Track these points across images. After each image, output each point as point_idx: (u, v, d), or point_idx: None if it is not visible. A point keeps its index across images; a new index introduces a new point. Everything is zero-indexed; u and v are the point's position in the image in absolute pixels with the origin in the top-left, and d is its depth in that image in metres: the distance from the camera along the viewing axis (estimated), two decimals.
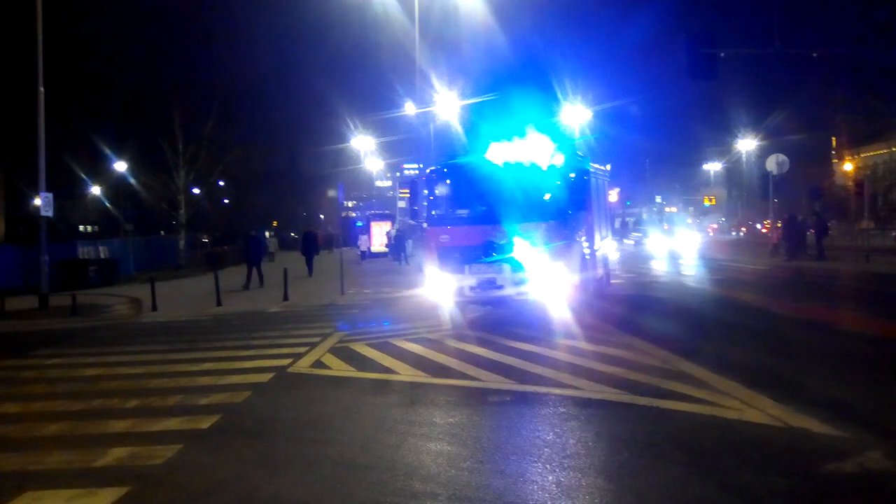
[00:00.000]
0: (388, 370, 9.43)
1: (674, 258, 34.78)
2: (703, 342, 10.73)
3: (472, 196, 13.06)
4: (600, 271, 15.58)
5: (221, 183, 53.25)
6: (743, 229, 68.75)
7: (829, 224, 33.75)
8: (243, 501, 5.17)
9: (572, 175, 12.92)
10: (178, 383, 9.13)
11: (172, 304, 19.14)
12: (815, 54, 28.96)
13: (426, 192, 13.65)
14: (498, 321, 13.06)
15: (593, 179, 15.19)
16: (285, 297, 18.97)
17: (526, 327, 12.16)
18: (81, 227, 56.41)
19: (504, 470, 5.57)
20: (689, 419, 6.60)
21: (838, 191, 46.69)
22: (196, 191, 44.81)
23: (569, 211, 12.65)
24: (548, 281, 12.11)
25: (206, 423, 7.14)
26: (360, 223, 45.97)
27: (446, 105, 32.14)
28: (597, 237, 14.98)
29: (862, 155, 52.23)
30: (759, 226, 58.44)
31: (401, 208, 71.28)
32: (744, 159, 58.88)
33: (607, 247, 16.75)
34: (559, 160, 12.62)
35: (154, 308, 18.04)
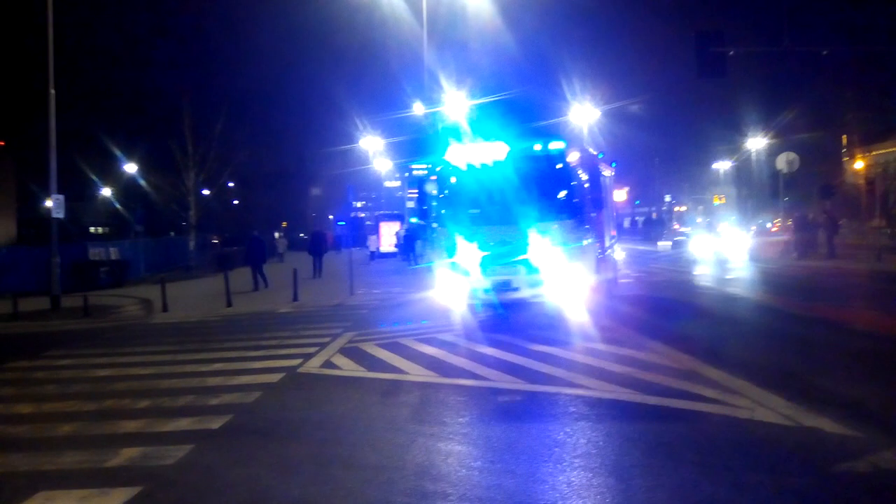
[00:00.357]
0: (398, 370, 9.44)
1: (723, 263, 28.56)
2: (715, 341, 10.65)
3: (484, 195, 12.65)
4: (611, 273, 15.50)
5: (231, 184, 53.48)
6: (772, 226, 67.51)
7: (840, 222, 33.52)
8: (254, 501, 5.18)
9: (586, 174, 12.71)
10: (189, 384, 9.16)
11: (183, 304, 19.21)
12: (824, 52, 28.81)
13: (435, 191, 13.32)
14: (509, 322, 12.79)
15: (604, 178, 15.09)
16: (295, 298, 19.01)
17: (537, 328, 11.97)
18: (92, 229, 56.72)
19: (514, 470, 5.56)
20: (701, 419, 6.58)
21: (849, 189, 46.39)
22: (206, 192, 44.98)
23: (584, 210, 12.41)
24: (564, 283, 11.84)
25: (217, 423, 7.17)
26: (369, 222, 46.04)
27: (455, 104, 32.14)
28: (606, 237, 14.91)
29: (873, 153, 51.86)
30: (768, 225, 58.10)
31: (409, 208, 71.30)
32: (753, 158, 58.60)
33: (616, 247, 16.70)
34: (574, 157, 12.39)
35: (165, 309, 18.11)
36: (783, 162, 30.60)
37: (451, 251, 12.49)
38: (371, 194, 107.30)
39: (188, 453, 6.21)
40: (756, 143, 56.51)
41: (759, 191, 59.52)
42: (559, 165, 12.38)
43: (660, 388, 7.68)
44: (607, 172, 16.58)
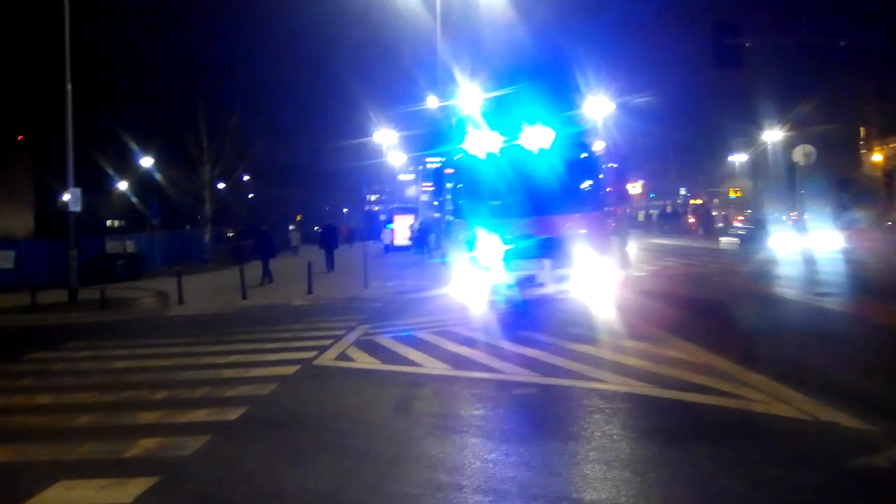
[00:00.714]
0: (412, 363, 9.46)
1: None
2: (732, 335, 10.57)
3: (506, 186, 12.05)
4: (629, 266, 15.27)
5: (246, 177, 53.68)
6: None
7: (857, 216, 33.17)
8: (270, 492, 5.22)
9: (611, 164, 12.34)
10: (206, 375, 9.23)
11: (199, 297, 19.33)
12: (842, 42, 28.48)
13: (451, 184, 12.83)
14: (528, 317, 12.21)
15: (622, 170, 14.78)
16: (309, 291, 19.08)
17: (558, 324, 11.54)
18: (109, 222, 57.11)
19: (529, 462, 5.58)
20: (717, 412, 6.56)
21: (867, 181, 45.93)
22: (221, 185, 45.21)
23: (610, 202, 12.06)
24: (591, 278, 11.39)
25: (233, 414, 7.22)
26: (383, 216, 46.09)
27: (470, 96, 32.04)
28: (625, 230, 14.75)
29: (891, 145, 51.28)
30: (784, 218, 57.63)
31: (423, 202, 71.26)
32: (769, 150, 58.11)
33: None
34: (600, 147, 12.03)
35: (181, 301, 18.24)
36: (800, 154, 30.30)
37: (470, 245, 11.99)
38: (385, 188, 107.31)
39: (205, 444, 6.27)
40: (772, 135, 56.00)
41: (775, 183, 59.05)
42: (584, 155, 11.96)
43: (675, 381, 7.65)
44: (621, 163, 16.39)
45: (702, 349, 9.22)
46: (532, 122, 11.95)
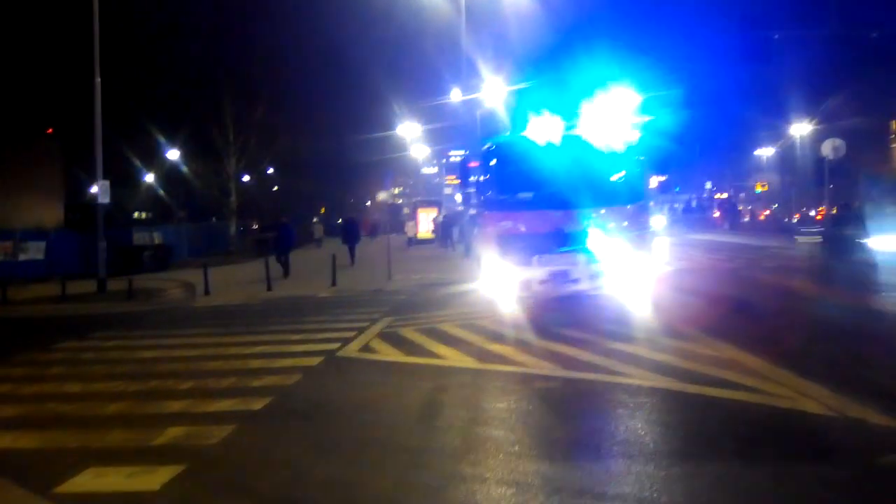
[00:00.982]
0: (436, 355, 9.47)
1: None
2: (757, 330, 10.42)
3: (539, 176, 11.37)
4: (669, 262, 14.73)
5: (271, 170, 54.01)
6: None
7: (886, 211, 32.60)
8: (295, 481, 5.28)
9: (646, 155, 11.80)
10: (232, 366, 9.32)
11: (224, 288, 19.53)
12: (874, 35, 28.03)
13: (480, 176, 12.16)
14: (553, 312, 11.68)
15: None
16: (333, 283, 19.19)
17: (581, 317, 11.25)
18: (136, 214, 57.80)
19: (552, 455, 5.58)
20: (742, 408, 6.50)
21: None
22: (246, 178, 45.53)
23: (647, 194, 11.58)
24: (627, 273, 10.81)
25: (258, 404, 7.29)
26: (406, 209, 46.15)
27: (493, 89, 31.94)
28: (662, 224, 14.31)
29: None
30: (812, 213, 56.83)
31: (447, 195, 71.19)
32: (797, 144, 57.35)
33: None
34: (635, 136, 11.51)
35: (207, 292, 18.44)
36: (829, 148, 29.85)
37: (501, 239, 11.38)
38: (409, 181, 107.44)
39: (231, 433, 6.34)
40: (800, 128, 55.22)
41: (802, 178, 58.31)
42: (620, 144, 11.41)
43: (700, 376, 7.58)
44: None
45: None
46: (563, 108, 11.38)
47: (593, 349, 9.15)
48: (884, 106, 50.01)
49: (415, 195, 80.00)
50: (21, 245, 27.36)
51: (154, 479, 5.29)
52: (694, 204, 71.02)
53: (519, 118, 11.70)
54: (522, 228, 11.15)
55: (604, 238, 10.77)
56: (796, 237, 33.51)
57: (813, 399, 6.55)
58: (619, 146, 11.40)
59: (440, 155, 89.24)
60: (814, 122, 52.98)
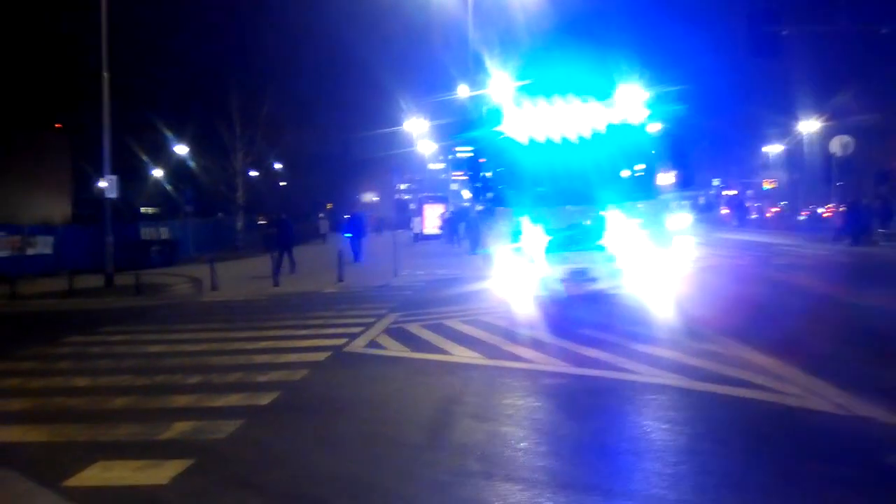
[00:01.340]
0: (442, 351, 9.47)
1: None
2: (765, 328, 10.37)
3: (553, 169, 10.98)
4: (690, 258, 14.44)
5: (278, 165, 54.06)
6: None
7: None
8: (302, 475, 5.29)
9: (669, 145, 11.44)
10: (238, 361, 9.36)
11: (231, 284, 19.57)
12: (883, 30, 27.86)
13: (490, 170, 11.78)
14: (569, 308, 11.39)
15: None
16: (340, 279, 19.20)
17: (594, 314, 10.97)
18: (143, 209, 57.97)
19: (559, 452, 5.57)
20: (750, 406, 6.48)
21: None
22: (253, 173, 45.58)
23: (666, 187, 11.32)
24: (647, 270, 10.50)
25: (265, 399, 7.31)
26: (412, 205, 46.12)
27: (503, 84, 31.78)
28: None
29: None
30: (820, 210, 56.55)
31: (453, 191, 71.11)
32: (805, 141, 57.09)
33: None
34: (655, 127, 11.22)
35: (214, 288, 18.48)
36: (837, 145, 29.71)
37: (514, 235, 10.92)
38: (416, 177, 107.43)
39: (238, 428, 6.36)
40: (809, 125, 54.97)
41: (810, 175, 58.01)
42: (642, 135, 11.08)
43: (707, 373, 7.55)
44: None
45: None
46: (579, 95, 10.97)
47: (601, 346, 9.10)
48: (893, 103, 49.67)
49: (422, 191, 79.99)
50: (29, 240, 27.48)
51: (162, 472, 5.31)
52: (702, 201, 70.75)
53: (530, 112, 11.25)
54: (537, 225, 10.80)
55: (625, 234, 10.45)
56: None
57: (821, 397, 6.53)
58: (635, 140, 11.10)
59: (447, 151, 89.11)
60: (822, 118, 52.71)
